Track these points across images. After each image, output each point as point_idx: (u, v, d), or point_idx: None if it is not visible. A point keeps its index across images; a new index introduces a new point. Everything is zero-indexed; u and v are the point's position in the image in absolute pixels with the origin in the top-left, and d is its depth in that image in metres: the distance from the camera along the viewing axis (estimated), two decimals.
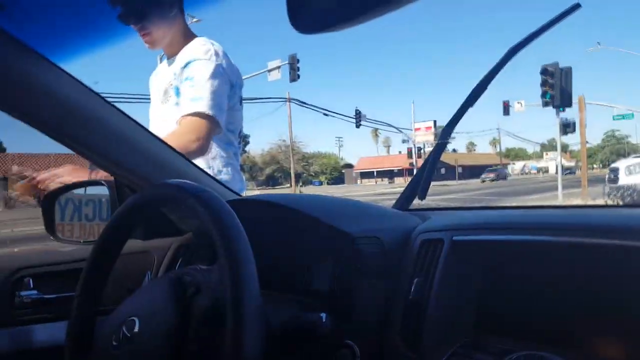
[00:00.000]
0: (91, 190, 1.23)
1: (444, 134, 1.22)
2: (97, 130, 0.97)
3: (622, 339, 0.64)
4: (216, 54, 1.62)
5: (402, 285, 0.80)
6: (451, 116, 1.13)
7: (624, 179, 9.46)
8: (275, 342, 0.68)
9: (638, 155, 10.45)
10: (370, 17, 0.46)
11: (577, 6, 1.01)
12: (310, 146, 64.87)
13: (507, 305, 0.76)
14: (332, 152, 76.09)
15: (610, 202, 8.62)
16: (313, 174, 54.45)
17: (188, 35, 1.68)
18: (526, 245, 0.76)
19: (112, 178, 1.13)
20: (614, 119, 23.06)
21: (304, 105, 25.23)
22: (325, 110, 25.38)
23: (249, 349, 0.57)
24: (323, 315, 0.72)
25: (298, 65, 18.05)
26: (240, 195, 1.27)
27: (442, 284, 0.78)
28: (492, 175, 44.13)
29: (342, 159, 73.93)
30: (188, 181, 0.71)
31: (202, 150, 1.57)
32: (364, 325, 0.79)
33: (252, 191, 29.57)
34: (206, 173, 1.22)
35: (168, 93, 1.69)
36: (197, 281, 0.69)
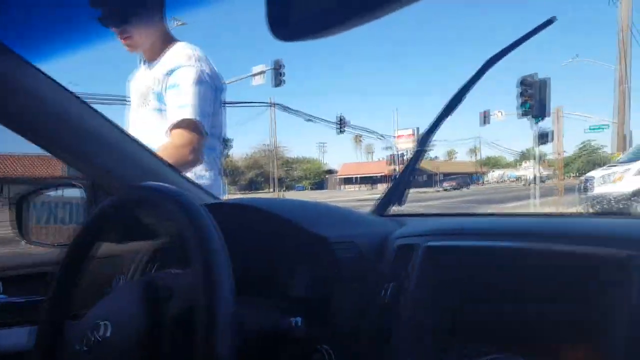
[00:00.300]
0: (65, 192, 1.21)
1: (422, 142, 1.23)
2: (74, 131, 0.95)
3: (591, 345, 0.65)
4: (199, 59, 1.62)
5: (378, 290, 0.81)
6: (430, 124, 1.15)
7: (598, 188, 9.71)
8: (250, 346, 0.68)
9: (612, 165, 10.72)
10: (352, 25, 0.47)
11: (552, 20, 1.05)
12: (293, 151, 64.83)
13: (481, 309, 0.78)
14: (315, 157, 76.21)
15: (583, 211, 8.81)
16: (296, 179, 54.35)
17: (169, 40, 1.68)
18: (498, 251, 0.78)
19: (87, 180, 1.11)
20: (589, 130, 23.64)
21: (288, 110, 25.25)
22: (309, 115, 25.42)
23: (221, 354, 0.56)
24: (298, 319, 0.72)
25: (283, 70, 18.05)
26: (220, 199, 1.26)
27: (417, 288, 0.79)
28: (453, 183, 44.23)
29: (325, 164, 74.04)
30: (164, 184, 0.70)
31: (197, 161, 1.59)
32: (340, 330, 0.79)
33: (234, 195, 29.36)
34: (184, 176, 1.21)
35: (147, 97, 1.68)
36: (170, 285, 0.69)
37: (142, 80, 1.73)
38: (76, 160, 1.00)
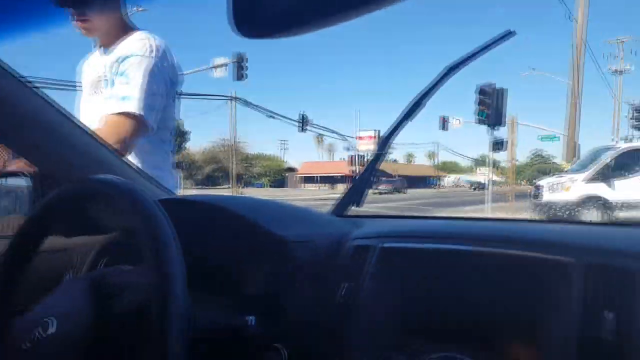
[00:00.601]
0: (10, 181, 1.15)
1: (382, 145, 1.25)
2: (21, 117, 0.91)
3: (535, 345, 0.68)
4: (154, 49, 1.56)
5: (333, 290, 0.82)
6: (390, 128, 1.18)
7: (547, 196, 10.19)
8: (203, 344, 0.67)
9: (561, 175, 11.26)
10: (320, 26, 0.46)
11: (510, 33, 1.08)
12: (253, 147, 64.15)
13: (431, 309, 0.80)
14: (276, 154, 75.82)
15: (532, 217, 9.20)
16: (255, 176, 53.89)
17: (127, 27, 1.62)
18: (448, 254, 0.81)
19: (34, 169, 1.06)
20: (541, 140, 24.68)
21: (249, 105, 24.95)
22: (271, 112, 25.18)
23: (172, 352, 0.55)
24: (251, 318, 0.72)
25: (245, 64, 17.83)
26: (174, 194, 1.24)
27: (371, 288, 0.80)
28: (389, 186, 40.16)
29: (285, 162, 73.83)
30: (116, 177, 0.68)
31: (122, 153, 1.47)
32: (294, 329, 0.79)
33: (189, 190, 28.81)
34: (137, 170, 1.17)
35: (99, 85, 1.62)
36: (120, 282, 0.67)
37: (95, 66, 1.65)
38: (23, 148, 0.95)
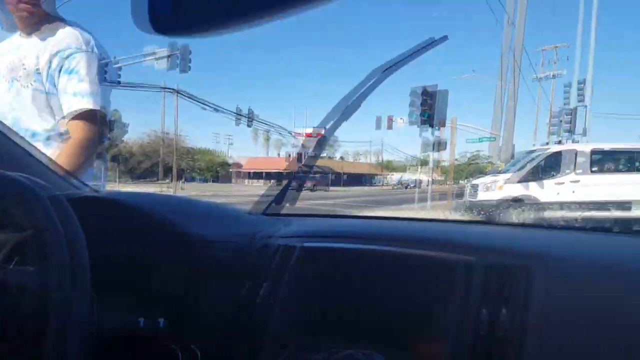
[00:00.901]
0: None
1: (319, 145, 1.25)
2: None
3: (439, 339, 0.72)
4: (90, 43, 1.56)
5: (251, 289, 0.82)
6: (327, 127, 1.16)
7: (482, 195, 10.69)
8: (109, 347, 0.66)
9: (495, 174, 11.83)
10: (241, 26, 0.44)
11: (444, 38, 1.12)
12: (195, 141, 62.63)
13: (346, 308, 0.82)
14: (220, 149, 74.50)
15: (467, 214, 9.59)
16: (197, 171, 52.59)
17: (53, 16, 1.55)
18: (363, 253, 0.83)
19: None
20: (479, 141, 25.83)
21: (193, 98, 24.28)
22: (216, 105, 24.61)
23: (72, 354, 0.53)
24: (161, 320, 0.71)
25: (190, 56, 17.31)
26: (97, 191, 1.15)
27: (289, 288, 0.81)
28: (311, 183, 34.34)
29: (230, 157, 72.73)
30: (20, 174, 0.62)
31: (94, 154, 1.59)
32: (210, 329, 0.78)
33: (126, 185, 27.63)
34: (46, 162, 1.08)
35: (16, 71, 1.54)
36: (20, 282, 0.61)
37: (12, 51, 1.56)
38: None
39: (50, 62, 1.52)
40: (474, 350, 0.64)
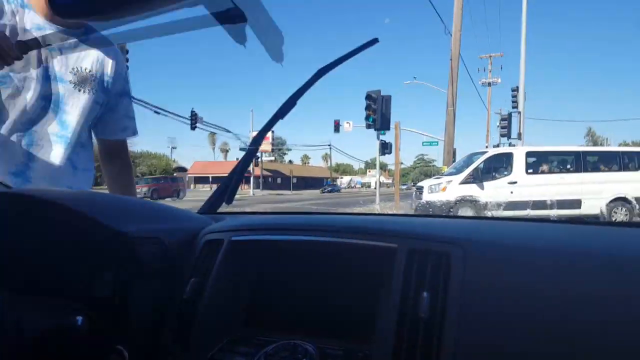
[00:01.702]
0: None
1: (254, 142, 1.27)
2: None
3: (368, 324, 0.73)
4: None
5: (179, 286, 0.82)
6: (261, 127, 1.23)
7: (427, 196, 10.96)
8: (29, 347, 0.63)
9: (439, 177, 12.15)
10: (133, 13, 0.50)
11: (375, 40, 1.16)
12: (137, 144, 60.59)
13: (276, 300, 0.84)
14: (164, 153, 72.46)
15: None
16: (139, 175, 50.72)
17: None
18: (293, 244, 0.84)
19: None
20: (422, 145, 26.56)
21: (132, 99, 23.29)
22: (157, 107, 23.66)
23: None
24: (79, 318, 0.69)
25: (127, 56, 16.64)
26: (8, 187, 1.10)
27: (217, 282, 0.81)
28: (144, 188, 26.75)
29: (174, 161, 70.91)
30: None
31: None
32: (138, 328, 0.77)
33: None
34: None
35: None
36: None
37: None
38: None
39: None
40: (400, 333, 0.66)
